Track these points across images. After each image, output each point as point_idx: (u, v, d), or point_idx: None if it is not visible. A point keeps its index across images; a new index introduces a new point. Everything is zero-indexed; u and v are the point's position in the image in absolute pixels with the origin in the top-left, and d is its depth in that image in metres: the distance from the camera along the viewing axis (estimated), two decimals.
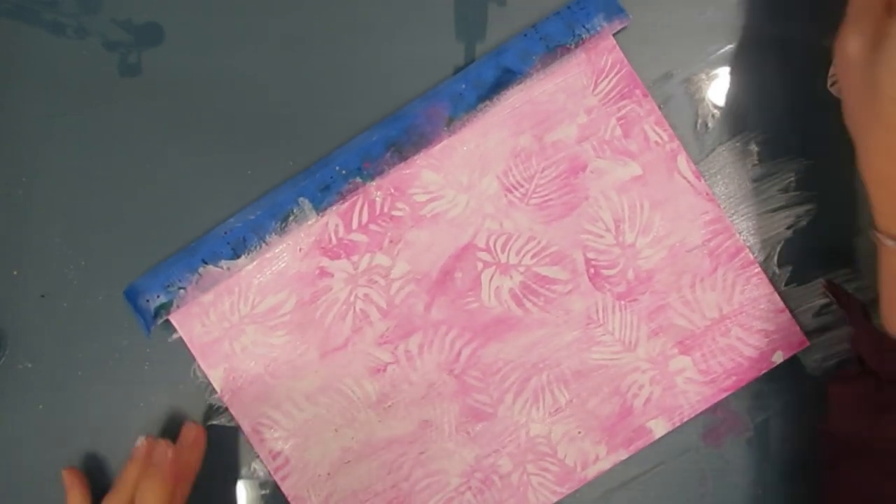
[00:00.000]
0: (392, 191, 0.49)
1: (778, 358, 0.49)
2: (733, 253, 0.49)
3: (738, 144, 0.49)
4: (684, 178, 0.49)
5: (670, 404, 0.49)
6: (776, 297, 0.49)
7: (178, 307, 0.48)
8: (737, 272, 0.49)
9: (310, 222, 0.48)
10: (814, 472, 0.48)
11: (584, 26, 0.48)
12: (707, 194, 0.49)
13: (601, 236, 0.49)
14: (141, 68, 0.50)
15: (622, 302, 0.49)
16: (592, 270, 0.49)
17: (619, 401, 0.49)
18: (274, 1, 0.50)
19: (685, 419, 0.49)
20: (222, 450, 0.49)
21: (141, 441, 0.48)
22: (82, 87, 0.50)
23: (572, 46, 0.48)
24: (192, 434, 0.49)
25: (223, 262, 0.48)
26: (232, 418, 0.49)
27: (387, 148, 0.48)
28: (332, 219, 0.49)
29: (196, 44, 0.50)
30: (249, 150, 0.50)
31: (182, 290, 0.48)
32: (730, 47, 0.50)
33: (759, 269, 0.49)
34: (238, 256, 0.48)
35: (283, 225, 0.48)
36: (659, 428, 0.49)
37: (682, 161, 0.49)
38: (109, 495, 0.47)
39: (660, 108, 0.49)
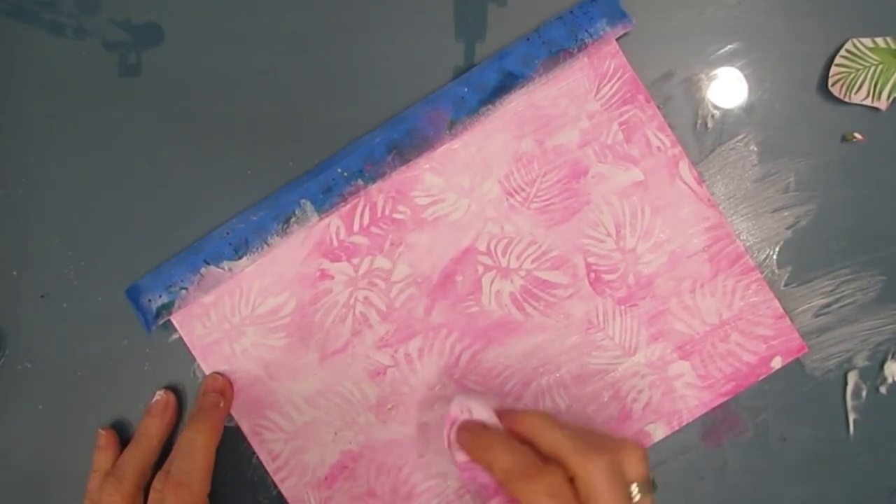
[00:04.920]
0: (393, 193, 0.49)
1: (776, 364, 0.49)
2: (734, 259, 0.49)
3: (738, 144, 0.49)
4: (686, 183, 0.49)
5: (669, 409, 0.49)
6: (776, 303, 0.49)
7: (179, 308, 0.48)
8: (737, 278, 0.49)
9: (311, 224, 0.48)
10: (813, 472, 0.48)
11: (587, 31, 0.48)
12: (708, 200, 0.49)
13: (602, 241, 0.49)
14: (141, 68, 0.50)
15: (622, 307, 0.49)
16: (593, 275, 0.49)
17: (618, 405, 0.49)
18: (274, 1, 0.50)
19: (683, 424, 0.49)
20: (222, 450, 0.49)
21: (160, 395, 0.49)
22: (82, 87, 0.50)
23: (575, 51, 0.48)
24: (220, 384, 0.49)
25: (225, 263, 0.48)
26: (232, 419, 0.49)
27: (389, 150, 0.48)
28: (333, 221, 0.49)
29: (196, 44, 0.50)
30: (249, 151, 0.50)
31: (184, 291, 0.48)
32: (730, 47, 0.50)
33: (758, 276, 0.49)
34: (240, 257, 0.48)
35: (285, 226, 0.48)
36: (658, 432, 0.49)
37: (684, 167, 0.48)
38: (130, 448, 0.47)
39: (659, 108, 0.49)
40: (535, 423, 0.41)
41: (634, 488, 0.39)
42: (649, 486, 0.39)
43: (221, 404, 0.47)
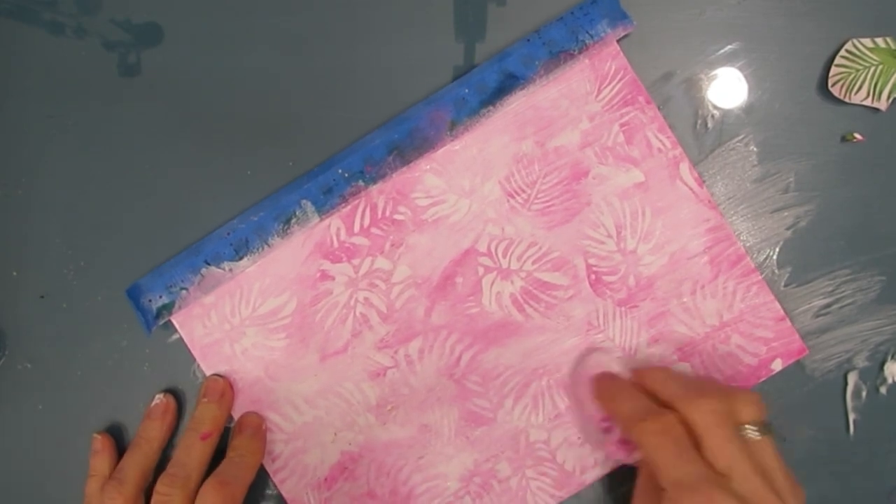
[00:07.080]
0: (394, 194, 0.49)
1: (777, 366, 0.49)
2: (734, 261, 0.49)
3: (737, 144, 0.49)
4: (686, 185, 0.48)
5: None
6: (776, 305, 0.49)
7: (179, 308, 0.48)
8: (737, 280, 0.49)
9: (312, 225, 0.48)
10: (813, 472, 0.49)
11: (587, 32, 0.47)
12: (709, 202, 0.49)
13: (602, 242, 0.49)
14: (140, 68, 0.50)
15: (623, 308, 0.49)
16: (593, 276, 0.49)
17: None
18: (274, 1, 0.50)
19: None
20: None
21: (159, 398, 0.49)
22: (82, 87, 0.49)
23: (576, 52, 0.48)
24: (220, 387, 0.49)
25: (225, 264, 0.48)
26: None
27: (389, 151, 0.48)
28: (333, 222, 0.49)
29: (196, 44, 0.50)
30: (248, 151, 0.50)
31: (184, 291, 0.48)
32: (730, 47, 0.50)
33: (759, 278, 0.49)
34: (240, 258, 0.48)
35: (286, 227, 0.48)
36: None
37: (685, 168, 0.48)
38: (131, 451, 0.47)
39: (659, 108, 0.49)
40: (656, 376, 0.45)
41: (751, 429, 0.41)
42: (766, 428, 0.42)
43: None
